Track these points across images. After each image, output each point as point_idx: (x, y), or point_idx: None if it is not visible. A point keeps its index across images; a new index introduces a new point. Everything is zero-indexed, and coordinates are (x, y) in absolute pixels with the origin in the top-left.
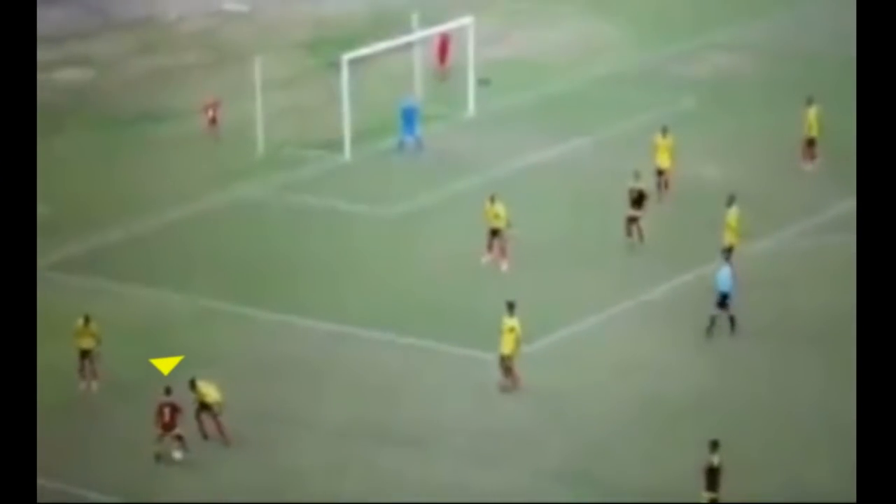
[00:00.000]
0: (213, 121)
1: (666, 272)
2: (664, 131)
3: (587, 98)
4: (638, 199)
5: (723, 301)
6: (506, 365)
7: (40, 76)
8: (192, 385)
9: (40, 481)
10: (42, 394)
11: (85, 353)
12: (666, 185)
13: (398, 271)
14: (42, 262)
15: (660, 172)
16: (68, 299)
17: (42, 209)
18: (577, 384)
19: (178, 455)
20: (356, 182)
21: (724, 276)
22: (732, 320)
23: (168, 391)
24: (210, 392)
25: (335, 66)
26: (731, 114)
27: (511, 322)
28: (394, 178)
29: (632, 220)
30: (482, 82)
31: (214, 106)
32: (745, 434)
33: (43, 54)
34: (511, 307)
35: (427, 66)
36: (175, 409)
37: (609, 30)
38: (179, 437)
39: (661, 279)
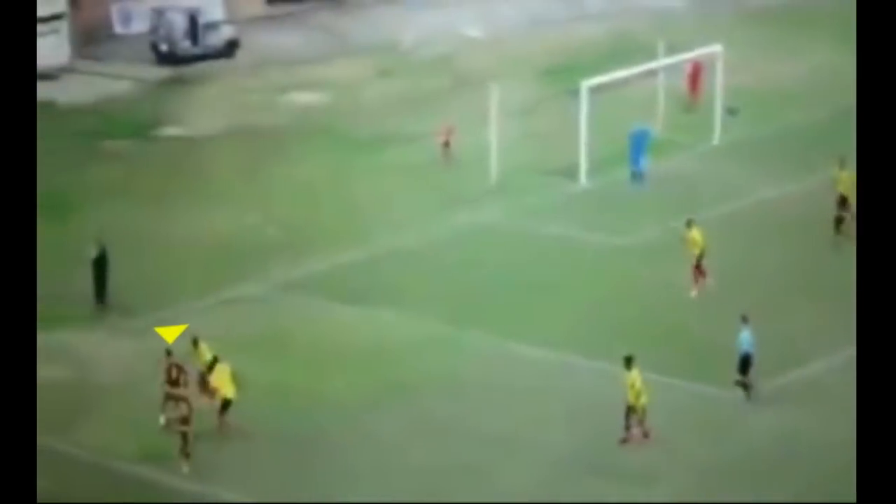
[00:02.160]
0: (447, 145)
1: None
2: (841, 164)
3: (833, 131)
4: (842, 200)
5: (744, 365)
6: (635, 417)
7: (275, 99)
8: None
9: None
10: (271, 416)
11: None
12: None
13: (627, 302)
14: (271, 282)
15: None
16: (295, 320)
17: (273, 231)
18: (809, 424)
19: (161, 420)
20: (591, 210)
21: (745, 336)
22: (746, 386)
23: (169, 352)
24: (224, 383)
25: (574, 93)
26: None
27: (631, 376)
28: (630, 207)
29: (839, 221)
30: (730, 111)
31: (449, 131)
32: None
33: (279, 77)
34: (629, 361)
35: (675, 95)
36: (181, 370)
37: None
38: (178, 399)
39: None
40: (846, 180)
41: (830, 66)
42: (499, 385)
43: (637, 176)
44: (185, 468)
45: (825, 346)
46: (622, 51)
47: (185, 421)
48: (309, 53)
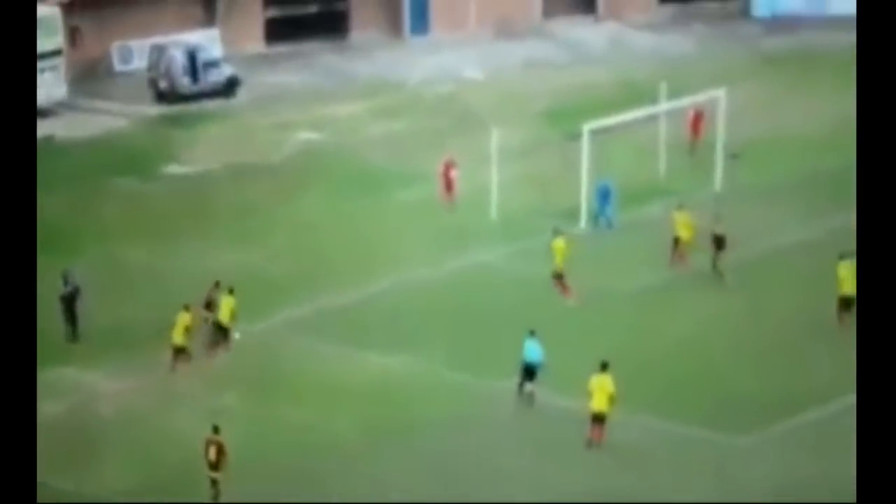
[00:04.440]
0: (449, 182)
1: None
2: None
3: (841, 181)
4: (718, 242)
5: (530, 372)
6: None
7: (277, 137)
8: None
9: None
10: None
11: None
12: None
13: (633, 350)
14: (274, 321)
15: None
16: (296, 359)
17: (274, 269)
18: (808, 470)
19: None
20: (591, 255)
21: (530, 346)
22: (521, 387)
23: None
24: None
25: (575, 135)
26: None
27: (600, 379)
28: (629, 253)
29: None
30: (731, 157)
31: (449, 165)
32: None
33: (281, 116)
34: (604, 366)
35: (678, 139)
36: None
37: None
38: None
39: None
40: (680, 220)
41: (842, 113)
42: (498, 425)
43: (604, 223)
44: None
45: (825, 394)
46: (624, 95)
47: (215, 466)
48: (310, 92)
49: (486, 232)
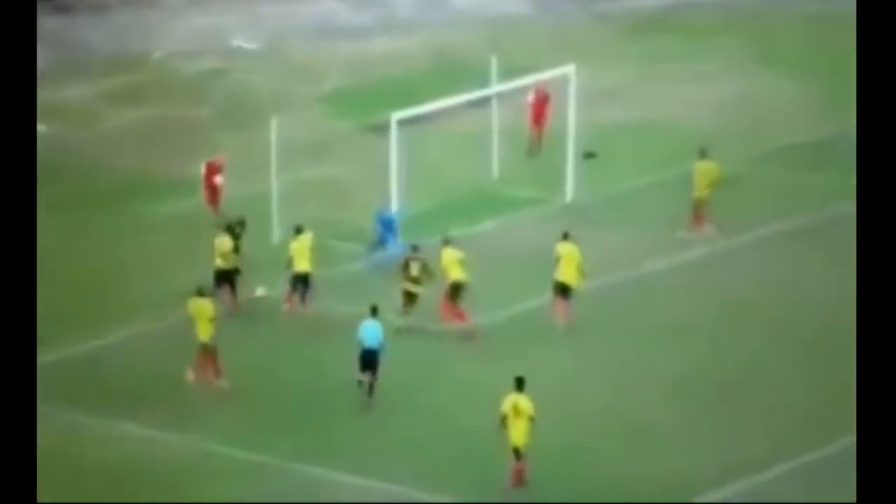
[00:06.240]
0: (214, 193)
1: None
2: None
3: (741, 183)
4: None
5: (369, 360)
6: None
7: None
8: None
9: None
10: None
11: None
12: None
13: (451, 410)
14: None
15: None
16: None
17: None
18: None
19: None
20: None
21: (369, 329)
22: (372, 386)
23: None
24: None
25: (380, 128)
26: None
27: (515, 400)
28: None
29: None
30: (586, 156)
31: (214, 168)
32: None
33: None
34: (520, 383)
35: (515, 130)
36: None
37: (779, 86)
38: None
39: None
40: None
41: (741, 93)
42: None
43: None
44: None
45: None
46: (443, 71)
47: None
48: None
49: (265, 260)
